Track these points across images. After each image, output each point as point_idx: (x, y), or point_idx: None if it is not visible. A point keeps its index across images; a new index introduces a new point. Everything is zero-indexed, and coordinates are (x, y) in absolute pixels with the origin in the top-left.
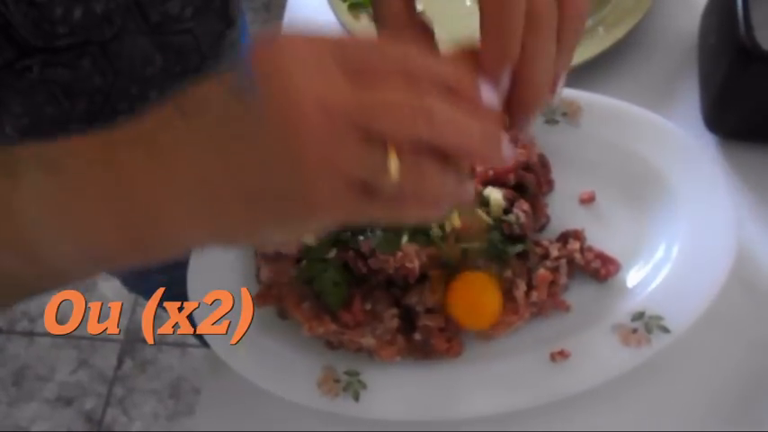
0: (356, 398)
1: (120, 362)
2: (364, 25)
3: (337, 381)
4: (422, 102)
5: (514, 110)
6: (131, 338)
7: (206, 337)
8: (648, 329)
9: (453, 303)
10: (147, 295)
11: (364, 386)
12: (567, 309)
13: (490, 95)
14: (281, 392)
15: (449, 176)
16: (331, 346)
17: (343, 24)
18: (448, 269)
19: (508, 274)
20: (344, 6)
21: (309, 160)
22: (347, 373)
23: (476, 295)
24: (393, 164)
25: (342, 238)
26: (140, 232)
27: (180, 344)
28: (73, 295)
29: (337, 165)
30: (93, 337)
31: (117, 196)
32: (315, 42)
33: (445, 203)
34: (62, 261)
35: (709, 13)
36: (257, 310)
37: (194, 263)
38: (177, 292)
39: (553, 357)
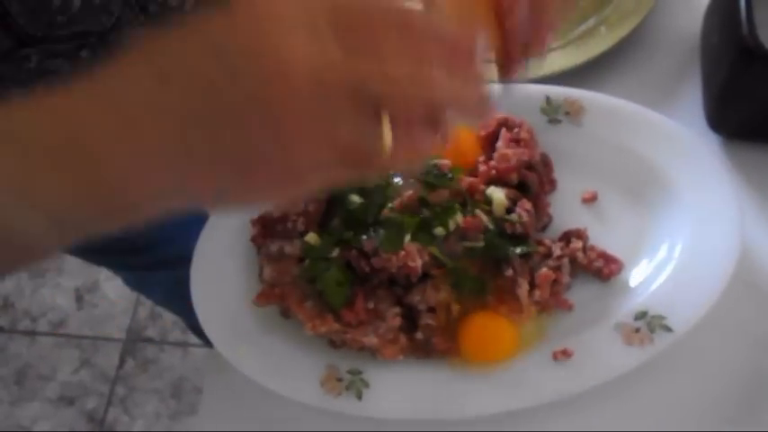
0: (359, 396)
1: (122, 361)
2: None
3: (340, 379)
4: (420, 70)
5: (511, 54)
6: (133, 338)
7: (209, 336)
8: (651, 329)
9: (466, 343)
10: (150, 295)
11: (367, 385)
12: (569, 308)
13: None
14: (284, 391)
15: (438, 132)
16: (334, 344)
17: None
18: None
19: (510, 273)
20: None
21: (302, 138)
22: (350, 371)
23: (490, 338)
24: (387, 133)
25: (345, 238)
26: (111, 203)
27: (181, 343)
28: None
29: (330, 140)
30: (94, 337)
31: (83, 169)
32: (308, 3)
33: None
34: (28, 227)
35: (711, 12)
36: (260, 310)
37: (197, 262)
38: (180, 291)
39: (556, 356)
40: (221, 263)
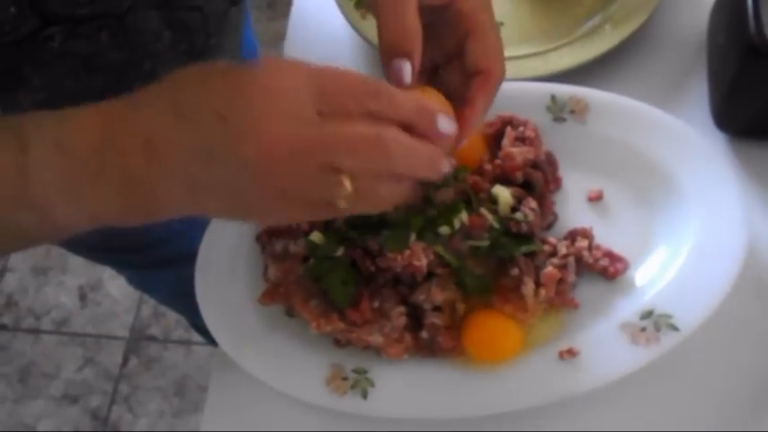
0: (364, 396)
1: (126, 360)
2: (371, 24)
3: (345, 379)
4: (380, 137)
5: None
6: (137, 336)
7: (214, 335)
8: (657, 328)
9: (471, 342)
10: (153, 293)
11: (372, 384)
12: (575, 306)
13: (448, 125)
14: (289, 390)
15: (398, 187)
16: (339, 343)
17: (349, 22)
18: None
19: (515, 272)
20: (351, 4)
21: (269, 186)
22: (355, 371)
23: (494, 337)
24: (347, 188)
25: (349, 237)
26: (140, 207)
27: (185, 342)
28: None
29: (295, 193)
30: (98, 335)
31: (119, 181)
32: (297, 74)
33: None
34: (71, 221)
35: (717, 10)
36: (265, 309)
37: (202, 261)
38: (183, 289)
39: (561, 356)
40: (226, 262)
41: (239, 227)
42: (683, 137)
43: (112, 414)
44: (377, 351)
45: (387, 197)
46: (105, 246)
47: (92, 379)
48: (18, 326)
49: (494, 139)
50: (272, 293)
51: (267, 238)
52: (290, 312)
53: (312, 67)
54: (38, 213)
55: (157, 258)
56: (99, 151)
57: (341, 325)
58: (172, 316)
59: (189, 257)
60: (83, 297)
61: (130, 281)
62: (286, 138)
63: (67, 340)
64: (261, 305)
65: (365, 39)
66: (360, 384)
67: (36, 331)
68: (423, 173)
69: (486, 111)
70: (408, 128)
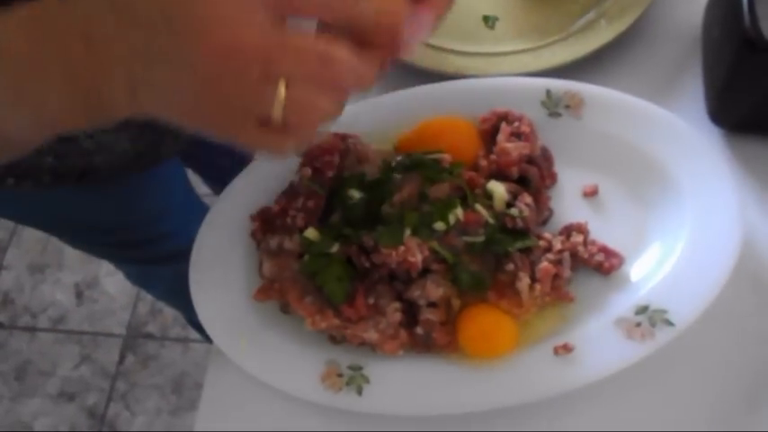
0: (359, 392)
1: (123, 357)
2: None
3: (340, 375)
4: (329, 54)
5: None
6: (133, 334)
7: (208, 332)
8: (652, 323)
9: (465, 338)
10: (151, 289)
11: (367, 380)
12: (570, 300)
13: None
14: (284, 387)
15: (334, 101)
16: (334, 340)
17: None
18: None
19: (511, 267)
20: None
21: (213, 95)
22: (350, 367)
23: (489, 333)
24: (281, 94)
25: (344, 233)
26: (84, 104)
27: (182, 339)
28: (75, 290)
29: (235, 101)
30: (94, 333)
31: (61, 76)
32: None
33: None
34: (12, 125)
35: (712, 5)
36: (260, 305)
37: (196, 257)
38: (181, 285)
39: (557, 351)
40: (220, 258)
41: (235, 223)
42: (678, 132)
43: (109, 412)
44: (372, 347)
45: (321, 111)
46: (107, 241)
47: (88, 377)
48: (14, 324)
49: (489, 135)
50: (267, 290)
51: (262, 234)
52: (285, 309)
53: None
54: None
55: (157, 254)
56: (38, 47)
57: (336, 321)
58: (169, 313)
59: (187, 253)
60: (79, 294)
61: (129, 276)
62: (234, 43)
63: (64, 338)
64: (256, 302)
65: None
66: (355, 381)
67: (32, 329)
68: (360, 90)
69: (451, 5)
70: (364, 36)
